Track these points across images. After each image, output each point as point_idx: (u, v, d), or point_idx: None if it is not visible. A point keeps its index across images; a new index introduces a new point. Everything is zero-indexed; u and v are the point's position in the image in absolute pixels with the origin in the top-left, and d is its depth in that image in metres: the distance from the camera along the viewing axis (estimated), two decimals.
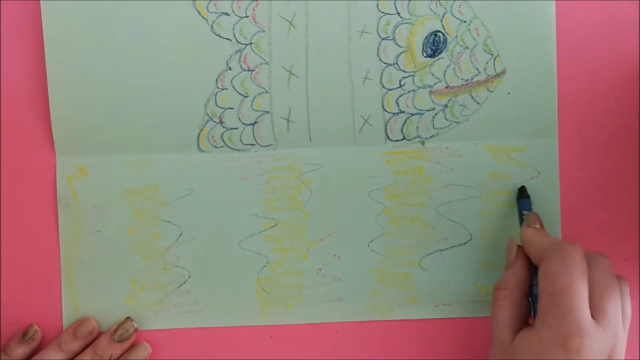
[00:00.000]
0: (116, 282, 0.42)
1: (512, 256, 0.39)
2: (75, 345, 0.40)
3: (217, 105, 0.41)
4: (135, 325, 0.41)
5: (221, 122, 0.42)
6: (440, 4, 0.41)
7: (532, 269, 0.38)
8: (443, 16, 0.41)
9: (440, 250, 0.42)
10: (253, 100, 0.41)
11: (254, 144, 0.42)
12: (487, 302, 0.42)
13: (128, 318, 0.41)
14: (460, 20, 0.41)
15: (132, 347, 0.41)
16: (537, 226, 0.38)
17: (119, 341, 0.40)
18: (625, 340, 0.35)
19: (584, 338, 0.32)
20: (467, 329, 0.42)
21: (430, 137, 0.42)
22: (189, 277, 0.42)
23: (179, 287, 0.42)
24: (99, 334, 0.41)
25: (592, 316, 0.33)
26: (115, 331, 0.41)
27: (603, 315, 0.34)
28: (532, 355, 0.33)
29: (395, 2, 0.41)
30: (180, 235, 0.42)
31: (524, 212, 0.40)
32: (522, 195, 0.41)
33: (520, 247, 0.39)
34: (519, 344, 0.35)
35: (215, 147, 0.42)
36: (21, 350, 0.40)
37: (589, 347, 0.32)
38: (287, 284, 0.42)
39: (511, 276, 0.38)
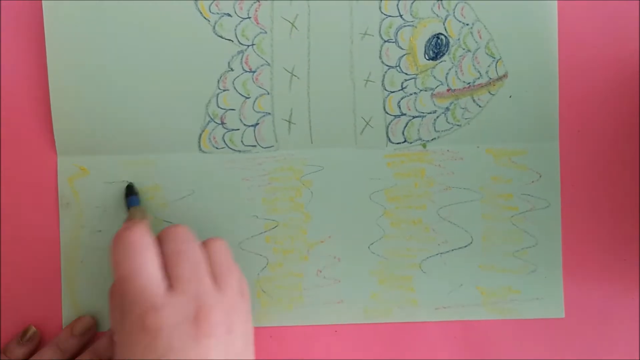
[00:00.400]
0: None
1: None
2: (73, 343, 0.40)
3: (218, 106, 0.41)
4: (92, 320, 0.41)
5: (222, 123, 0.42)
6: (443, 7, 0.41)
7: None
8: (445, 19, 0.41)
9: (441, 253, 0.42)
10: (255, 101, 0.41)
11: (255, 145, 0.42)
12: (487, 306, 0.42)
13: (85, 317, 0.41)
14: (463, 23, 0.41)
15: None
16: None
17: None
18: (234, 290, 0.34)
19: (159, 312, 0.31)
20: (467, 332, 0.42)
21: (432, 139, 0.42)
22: None
23: None
24: (98, 334, 0.41)
25: (172, 287, 0.32)
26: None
27: (178, 281, 0.33)
28: (126, 354, 0.32)
29: (397, 4, 0.41)
30: None
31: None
32: (130, 192, 0.40)
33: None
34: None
35: (217, 148, 0.42)
36: (20, 351, 0.40)
37: (167, 318, 0.31)
38: (287, 285, 0.42)
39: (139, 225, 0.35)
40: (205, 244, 0.36)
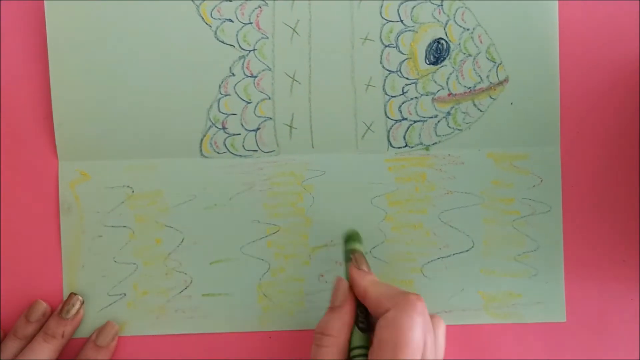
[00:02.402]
0: (117, 287, 0.42)
1: (340, 298, 0.37)
2: (30, 329, 0.40)
3: (219, 111, 0.41)
4: (81, 299, 0.41)
5: (224, 128, 0.42)
6: (443, 12, 0.41)
7: (357, 314, 0.37)
8: (446, 24, 0.41)
9: (442, 258, 0.42)
10: (256, 106, 0.41)
11: (256, 150, 0.42)
12: (489, 310, 0.42)
13: (72, 293, 0.41)
14: (463, 27, 0.41)
15: (100, 327, 0.41)
16: (365, 269, 0.38)
17: (67, 318, 0.40)
18: None
19: None
20: (468, 336, 0.42)
21: (433, 144, 0.42)
22: (191, 282, 0.42)
23: (180, 292, 0.42)
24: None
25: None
26: (62, 308, 0.40)
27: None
28: None
29: (398, 10, 0.41)
30: (182, 241, 0.42)
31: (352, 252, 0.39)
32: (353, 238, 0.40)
33: (350, 290, 0.37)
34: None
35: (218, 152, 0.42)
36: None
37: None
38: (289, 290, 0.42)
39: (338, 320, 0.36)
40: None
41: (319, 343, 0.36)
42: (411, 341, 0.33)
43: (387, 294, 0.35)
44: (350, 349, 0.36)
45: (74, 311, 0.41)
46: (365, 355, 0.35)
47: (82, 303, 0.41)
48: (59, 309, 0.41)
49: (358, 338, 0.36)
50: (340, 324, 0.36)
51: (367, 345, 0.36)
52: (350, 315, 0.37)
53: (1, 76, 0.42)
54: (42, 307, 0.41)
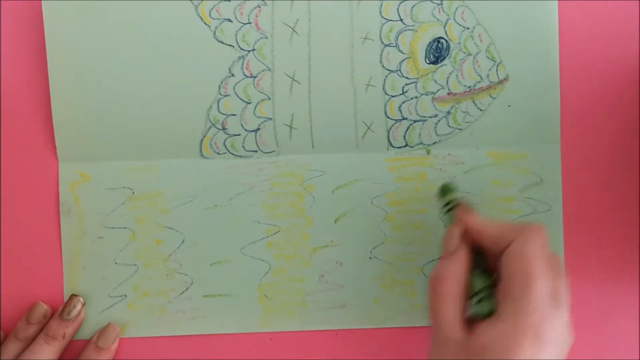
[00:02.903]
0: (118, 288, 0.42)
1: (452, 244, 0.35)
2: (31, 331, 0.40)
3: (219, 112, 0.41)
4: (82, 300, 0.41)
5: (223, 128, 0.41)
6: (443, 11, 0.41)
7: (473, 260, 0.35)
8: (446, 23, 0.41)
9: None
10: (255, 106, 0.41)
11: (256, 151, 0.42)
12: None
13: (73, 295, 0.41)
14: (463, 26, 0.41)
15: (102, 329, 0.41)
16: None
17: (68, 319, 0.40)
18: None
19: (553, 326, 0.32)
20: None
21: (433, 143, 0.42)
22: (191, 283, 0.42)
23: (181, 293, 0.42)
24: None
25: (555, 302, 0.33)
26: (63, 310, 0.40)
27: (557, 299, 0.33)
28: (504, 350, 0.31)
29: (398, 9, 0.41)
30: (182, 242, 0.42)
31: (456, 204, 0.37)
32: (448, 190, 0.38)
33: (462, 236, 0.35)
34: (485, 340, 0.32)
35: (218, 153, 0.42)
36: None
37: (555, 332, 0.32)
38: (290, 290, 0.42)
39: (455, 264, 0.34)
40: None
41: (437, 290, 0.34)
42: (542, 270, 0.32)
43: (506, 227, 0.34)
44: (472, 294, 0.34)
45: (75, 312, 0.41)
46: (490, 296, 0.34)
47: (83, 304, 0.41)
48: (60, 310, 0.41)
49: (480, 281, 0.35)
50: (458, 268, 0.34)
51: (490, 286, 0.34)
52: (466, 259, 0.35)
53: (0, 77, 0.41)
54: (43, 308, 0.41)
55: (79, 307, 0.41)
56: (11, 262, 0.42)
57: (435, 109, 0.42)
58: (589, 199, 0.42)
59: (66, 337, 0.40)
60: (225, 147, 0.42)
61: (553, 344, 0.32)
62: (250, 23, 0.41)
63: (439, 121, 0.42)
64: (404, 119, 0.42)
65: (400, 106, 0.41)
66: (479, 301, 0.34)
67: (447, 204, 0.38)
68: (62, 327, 0.40)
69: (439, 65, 0.41)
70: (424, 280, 0.42)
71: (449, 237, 0.36)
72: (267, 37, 0.41)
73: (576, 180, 0.42)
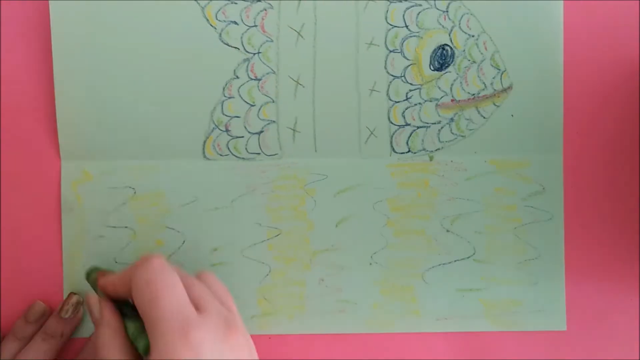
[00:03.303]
0: None
1: (95, 312, 0.36)
2: (29, 330, 0.40)
3: (223, 114, 0.41)
4: (80, 299, 0.41)
5: (227, 130, 0.42)
6: (449, 18, 0.41)
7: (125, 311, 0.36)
8: (451, 30, 0.41)
9: (443, 264, 0.42)
10: (259, 109, 0.41)
11: (259, 153, 0.42)
12: (489, 317, 0.42)
13: (72, 293, 0.41)
14: (469, 34, 0.41)
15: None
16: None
17: (66, 317, 0.40)
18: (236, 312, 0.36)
19: (199, 328, 0.32)
20: (468, 343, 0.42)
21: (436, 150, 0.42)
22: None
23: None
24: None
25: (199, 306, 0.33)
26: (61, 308, 0.40)
27: (202, 301, 0.33)
28: None
29: (404, 15, 0.41)
30: (183, 243, 0.42)
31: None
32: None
33: (104, 300, 0.36)
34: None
35: (221, 155, 0.42)
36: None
37: (207, 333, 0.32)
38: (289, 293, 0.42)
39: (106, 329, 0.35)
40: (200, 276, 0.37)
41: (103, 356, 0.34)
42: (165, 288, 0.32)
43: (127, 270, 0.35)
44: (132, 342, 0.34)
45: (73, 311, 0.40)
46: (141, 334, 0.34)
47: (82, 303, 0.41)
48: (59, 308, 0.41)
49: (131, 325, 0.35)
50: (110, 330, 0.35)
51: (141, 325, 0.34)
52: (113, 317, 0.35)
53: (3, 75, 0.42)
54: (41, 307, 0.41)
55: (77, 305, 0.41)
56: (11, 259, 0.42)
57: (439, 115, 0.42)
58: (591, 208, 0.42)
59: (64, 335, 0.40)
60: (228, 148, 0.42)
61: (211, 347, 0.31)
62: (256, 26, 0.41)
63: (442, 128, 0.42)
64: (407, 124, 0.42)
65: (403, 112, 0.42)
66: (135, 342, 0.34)
67: (90, 280, 0.39)
68: (61, 325, 0.40)
69: (443, 72, 0.41)
70: (425, 287, 0.42)
71: (89, 307, 0.36)
72: (272, 40, 0.41)
73: (579, 189, 0.42)
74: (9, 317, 0.41)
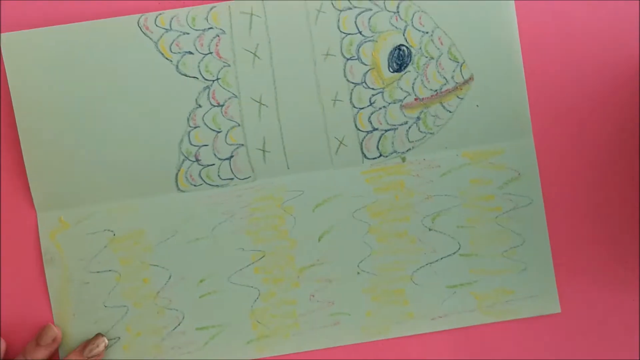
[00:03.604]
0: (111, 331, 0.42)
1: None
2: (39, 354, 0.40)
3: (191, 144, 0.41)
4: (106, 341, 0.41)
5: (197, 160, 0.42)
6: (401, 18, 0.41)
7: None
8: (405, 29, 0.41)
9: (431, 263, 0.42)
10: (226, 134, 0.41)
11: (232, 178, 0.42)
12: (483, 309, 0.42)
13: (99, 334, 0.41)
14: (422, 31, 0.41)
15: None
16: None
17: (89, 357, 0.40)
18: None
19: None
20: (465, 338, 0.42)
21: (407, 150, 0.42)
22: (183, 318, 0.42)
23: (174, 329, 0.42)
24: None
25: None
26: (85, 346, 0.40)
27: None
28: None
29: (355, 21, 0.41)
30: (169, 278, 0.42)
31: None
32: None
33: None
34: None
35: (194, 185, 0.42)
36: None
37: None
38: (282, 313, 0.42)
39: None
40: None
41: None
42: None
43: None
44: None
45: (97, 351, 0.40)
46: None
47: (106, 345, 0.41)
48: (82, 346, 0.40)
49: None
50: None
51: None
52: None
53: None
54: (53, 332, 0.41)
55: (101, 347, 0.41)
56: (1, 314, 0.42)
57: (405, 116, 0.42)
58: (569, 188, 0.42)
59: None
60: (201, 178, 0.42)
61: None
62: (211, 53, 0.41)
63: (409, 128, 0.42)
64: (375, 129, 0.42)
65: (369, 117, 0.41)
66: None
67: None
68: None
69: (403, 72, 0.41)
70: (415, 288, 0.42)
71: None
72: (229, 65, 0.41)
73: (554, 171, 0.42)
74: None
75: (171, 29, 0.41)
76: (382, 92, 0.41)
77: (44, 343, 0.40)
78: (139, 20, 0.41)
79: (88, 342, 0.41)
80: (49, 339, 0.40)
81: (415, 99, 0.41)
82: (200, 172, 0.42)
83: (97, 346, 0.41)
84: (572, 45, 0.42)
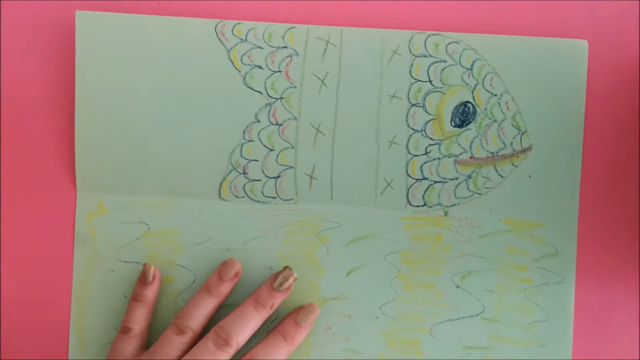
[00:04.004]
0: None
1: None
2: (224, 288, 0.40)
3: (242, 156, 0.41)
4: (295, 274, 0.40)
5: (244, 172, 0.42)
6: (473, 76, 0.41)
7: None
8: (474, 88, 0.41)
9: (452, 320, 0.42)
10: (278, 154, 0.42)
11: (275, 197, 0.42)
12: None
13: (287, 267, 0.41)
14: (491, 93, 0.41)
15: (302, 306, 0.41)
16: None
17: (278, 290, 0.40)
18: None
19: None
20: None
21: (451, 205, 0.42)
22: None
23: None
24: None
25: None
26: (274, 279, 0.40)
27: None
28: None
29: (428, 70, 0.41)
30: (194, 281, 0.42)
31: None
32: None
33: None
34: None
35: (237, 197, 0.42)
36: (148, 291, 0.41)
37: None
38: None
39: None
40: None
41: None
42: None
43: None
44: None
45: (286, 285, 0.40)
46: None
47: (295, 279, 0.40)
48: (271, 279, 0.40)
49: None
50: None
51: None
52: None
53: (23, 105, 0.42)
54: (236, 266, 0.41)
55: (290, 280, 0.40)
56: (20, 285, 0.42)
57: (457, 171, 0.42)
58: (604, 272, 0.42)
59: (273, 307, 0.40)
60: (245, 191, 0.42)
61: None
62: (280, 71, 0.41)
63: (459, 184, 0.42)
64: (425, 178, 0.42)
65: (422, 166, 0.42)
66: None
67: None
68: (272, 297, 0.40)
69: (464, 129, 0.41)
70: (432, 341, 0.42)
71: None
72: (295, 87, 0.41)
73: (592, 254, 0.42)
74: (10, 342, 0.41)
75: (246, 40, 0.41)
76: (440, 144, 0.41)
77: (227, 277, 0.40)
78: (216, 26, 0.41)
79: (278, 274, 0.40)
80: (232, 273, 0.40)
81: (471, 157, 0.42)
82: (245, 185, 0.42)
83: (286, 279, 0.40)
84: (634, 125, 0.42)
